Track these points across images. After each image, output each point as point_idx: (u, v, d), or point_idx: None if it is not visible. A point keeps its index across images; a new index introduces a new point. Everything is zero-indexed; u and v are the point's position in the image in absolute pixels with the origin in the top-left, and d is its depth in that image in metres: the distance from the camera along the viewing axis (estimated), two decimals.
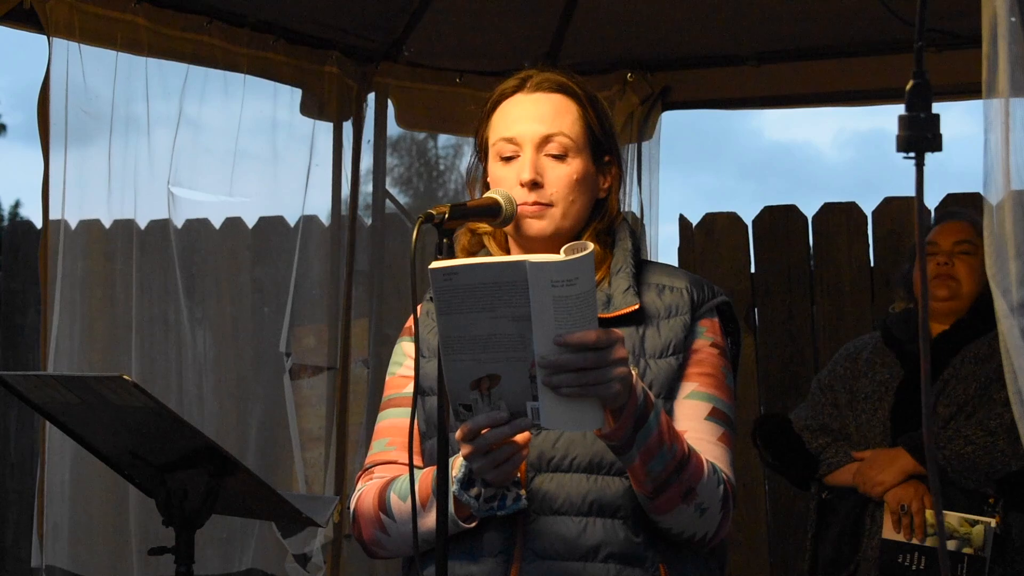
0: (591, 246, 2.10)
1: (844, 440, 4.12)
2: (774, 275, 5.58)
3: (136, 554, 4.35)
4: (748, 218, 5.65)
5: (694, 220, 5.71)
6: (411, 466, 2.25)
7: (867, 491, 4.01)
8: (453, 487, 2.30)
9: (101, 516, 4.42)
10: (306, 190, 4.92)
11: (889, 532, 3.94)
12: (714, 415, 2.42)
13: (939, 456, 3.86)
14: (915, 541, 3.90)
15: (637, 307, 2.42)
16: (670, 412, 2.41)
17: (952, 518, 3.86)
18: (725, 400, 2.45)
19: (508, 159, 2.46)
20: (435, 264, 2.12)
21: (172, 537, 2.58)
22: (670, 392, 2.41)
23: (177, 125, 4.49)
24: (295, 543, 4.73)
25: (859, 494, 4.04)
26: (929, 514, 3.90)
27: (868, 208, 5.50)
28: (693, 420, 2.41)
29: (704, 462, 2.34)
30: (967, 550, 3.84)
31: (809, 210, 5.59)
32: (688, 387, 2.43)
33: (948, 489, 3.89)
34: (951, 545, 3.85)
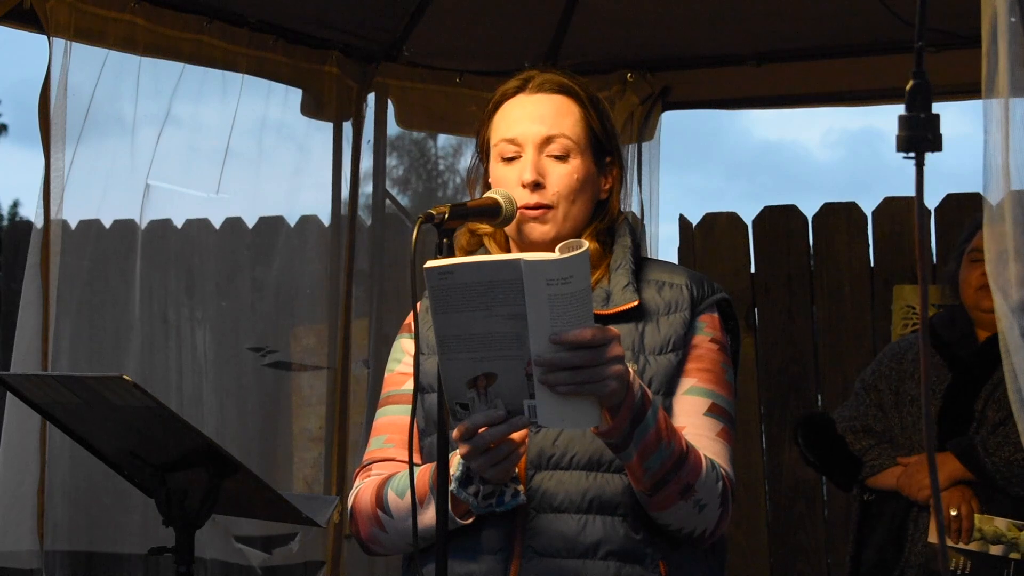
0: (586, 244, 2.10)
1: (888, 442, 4.05)
2: (774, 275, 5.58)
3: (135, 553, 4.35)
4: (745, 218, 5.64)
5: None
6: (411, 463, 2.25)
7: (912, 495, 3.95)
8: (451, 485, 2.30)
9: (101, 515, 4.42)
10: (303, 190, 4.92)
11: (935, 536, 3.87)
12: (713, 411, 2.42)
13: (987, 462, 3.84)
14: (961, 545, 3.85)
15: (636, 303, 2.42)
16: (670, 408, 2.41)
17: (1000, 523, 3.84)
18: (725, 396, 2.45)
19: (509, 160, 2.46)
20: (430, 263, 2.11)
21: (172, 537, 2.58)
22: (670, 388, 2.41)
23: (167, 124, 4.49)
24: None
25: (903, 497, 3.98)
26: (978, 518, 3.85)
27: (867, 208, 5.50)
28: (692, 416, 2.41)
29: (703, 458, 2.34)
30: (1014, 555, 3.83)
31: (803, 210, 5.59)
32: (687, 383, 2.43)
33: (996, 495, 3.86)
34: (997, 550, 3.83)
